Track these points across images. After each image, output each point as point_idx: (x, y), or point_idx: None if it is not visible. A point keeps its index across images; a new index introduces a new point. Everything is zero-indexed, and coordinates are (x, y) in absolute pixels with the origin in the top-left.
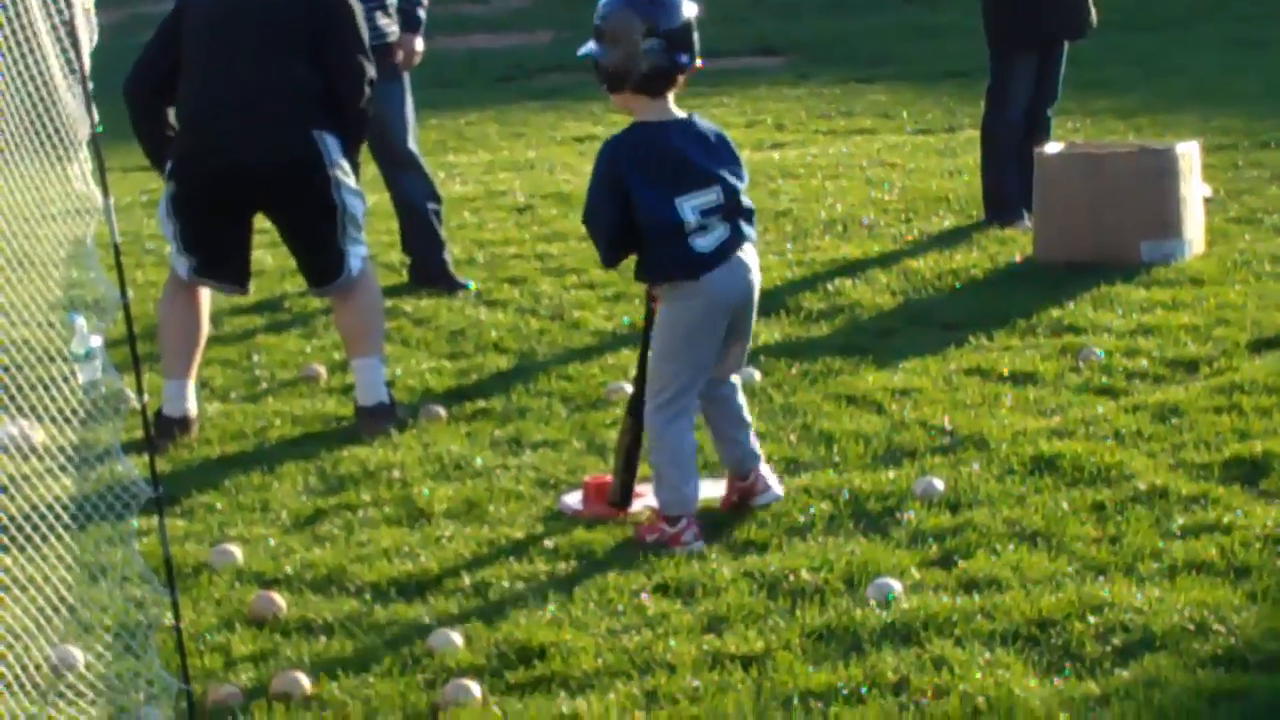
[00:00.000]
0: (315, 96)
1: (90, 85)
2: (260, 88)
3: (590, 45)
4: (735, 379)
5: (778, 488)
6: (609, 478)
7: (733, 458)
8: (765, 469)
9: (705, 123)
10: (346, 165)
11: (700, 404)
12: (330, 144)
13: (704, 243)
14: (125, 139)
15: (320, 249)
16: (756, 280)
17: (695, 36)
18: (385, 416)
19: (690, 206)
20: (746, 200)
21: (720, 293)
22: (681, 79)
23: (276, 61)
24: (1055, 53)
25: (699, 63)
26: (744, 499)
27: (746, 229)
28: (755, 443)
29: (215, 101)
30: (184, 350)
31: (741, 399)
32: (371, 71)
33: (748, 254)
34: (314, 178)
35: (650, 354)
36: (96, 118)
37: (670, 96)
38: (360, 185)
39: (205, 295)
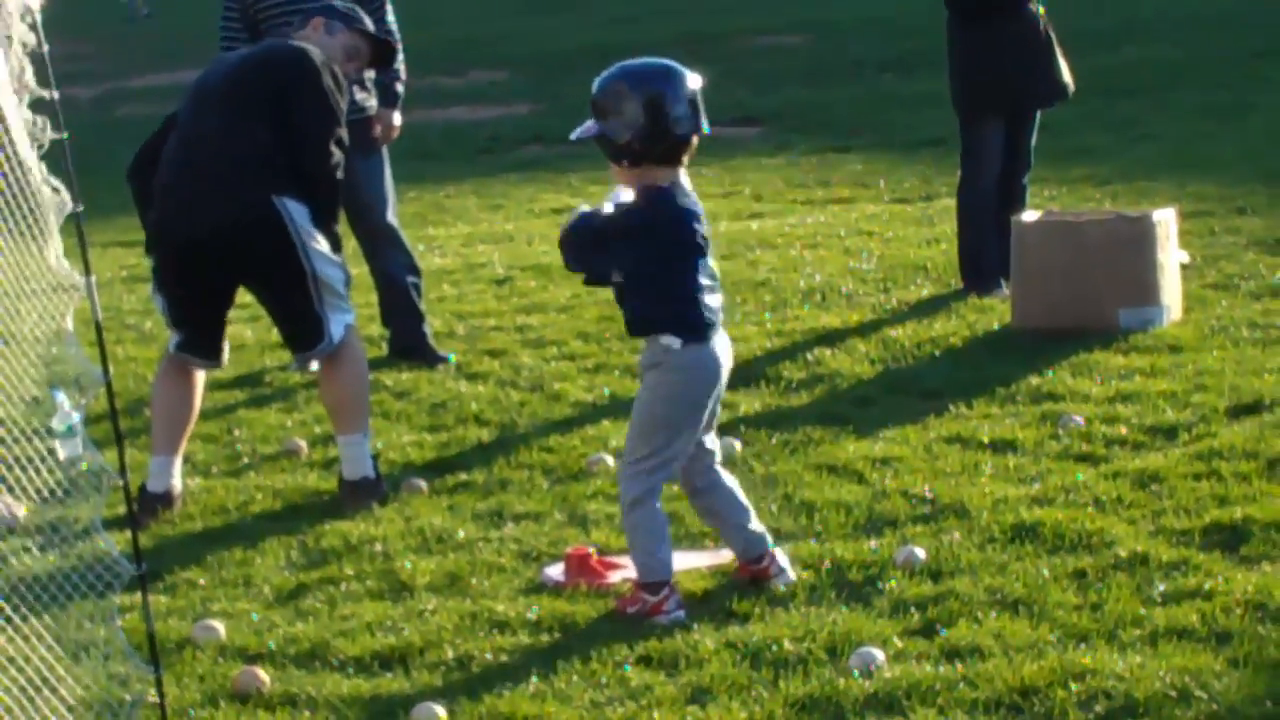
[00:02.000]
0: (277, 162)
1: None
2: (221, 155)
3: (590, 125)
4: (717, 465)
5: (790, 571)
6: (590, 549)
7: (740, 543)
8: (778, 551)
9: None
10: (316, 231)
11: (694, 501)
12: (294, 209)
13: (713, 304)
14: (104, 215)
15: (296, 315)
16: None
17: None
18: (370, 491)
19: (707, 270)
20: None
21: (719, 361)
22: (694, 145)
23: (239, 128)
24: (1025, 122)
25: (707, 128)
26: (757, 580)
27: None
28: (759, 525)
29: (180, 170)
30: (172, 426)
31: (731, 481)
32: (338, 133)
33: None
34: (277, 243)
35: (640, 419)
36: (67, 197)
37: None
38: (339, 255)
39: (200, 373)
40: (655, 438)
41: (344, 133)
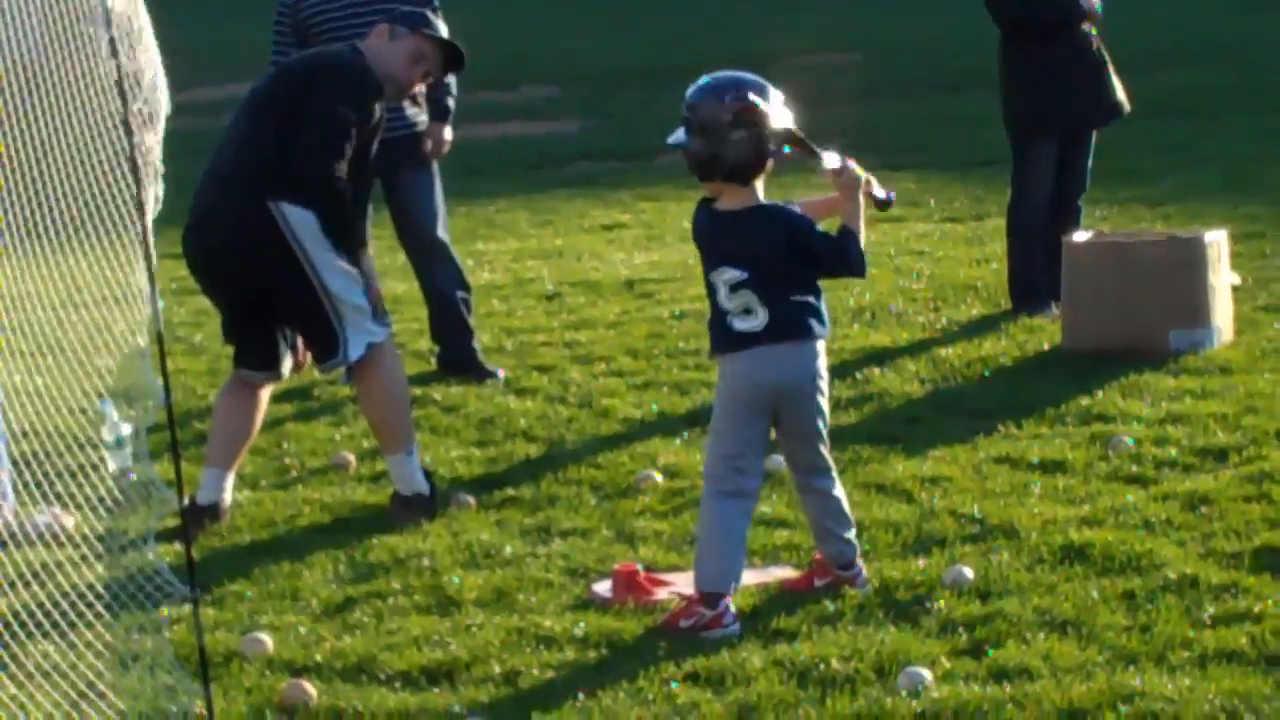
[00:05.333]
0: (275, 166)
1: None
2: (235, 161)
3: (682, 134)
4: (833, 475)
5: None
6: (638, 566)
7: (835, 549)
8: (860, 562)
9: (770, 206)
10: (324, 240)
11: (799, 497)
12: (292, 214)
13: (741, 325)
14: (155, 227)
15: (307, 324)
16: (798, 377)
17: None
18: (421, 507)
19: (722, 281)
20: (801, 294)
21: (745, 377)
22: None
23: (255, 135)
24: (1080, 142)
25: (787, 148)
26: (834, 586)
27: (797, 324)
28: (853, 534)
29: (206, 177)
30: (228, 441)
31: (840, 493)
32: (340, 142)
33: (796, 349)
34: (275, 248)
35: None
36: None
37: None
38: (352, 266)
39: (264, 391)
40: (711, 436)
41: (348, 144)
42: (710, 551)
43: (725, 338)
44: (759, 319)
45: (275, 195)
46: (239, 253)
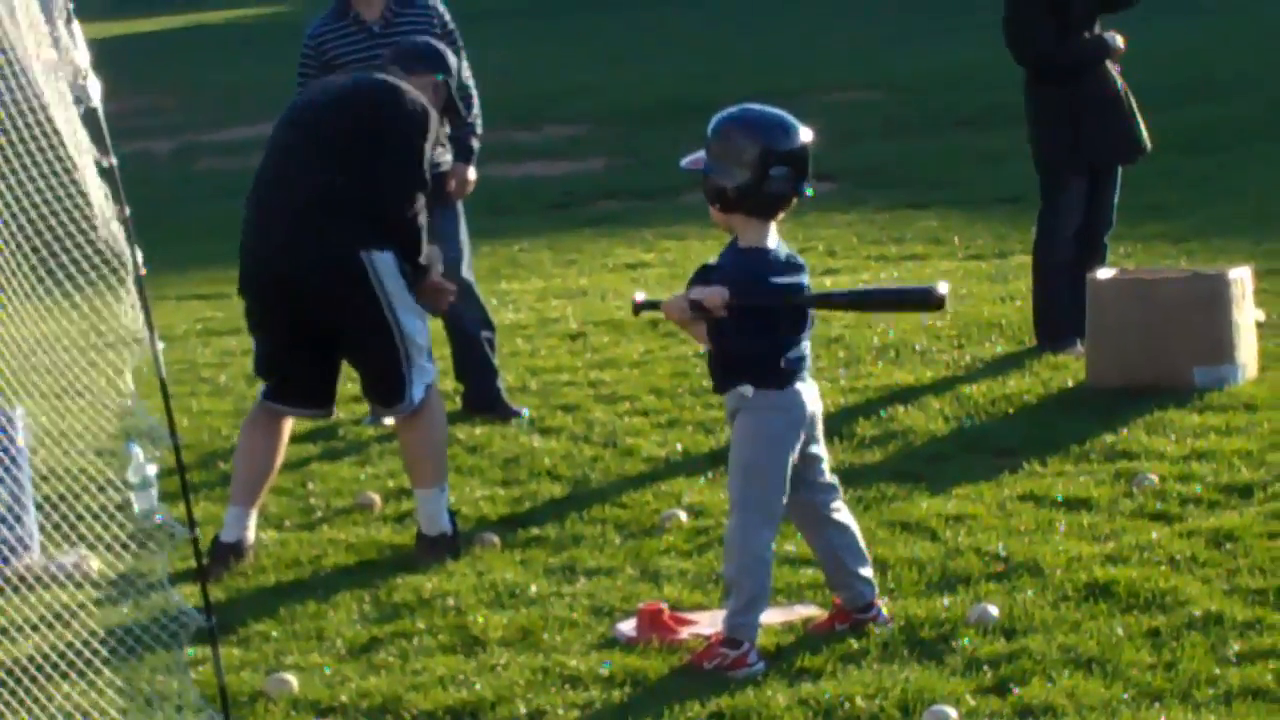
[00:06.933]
0: (361, 210)
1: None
2: (304, 200)
3: (700, 158)
4: (841, 504)
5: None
6: (663, 605)
7: (852, 589)
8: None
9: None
10: (401, 282)
11: (811, 538)
12: (380, 263)
13: (794, 353)
14: (181, 268)
15: (379, 372)
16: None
17: (810, 163)
18: (445, 547)
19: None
20: None
21: (801, 406)
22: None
23: (321, 173)
24: (1108, 178)
25: (810, 191)
26: (857, 628)
27: None
28: (870, 572)
29: (262, 210)
30: (251, 479)
31: (853, 523)
32: (420, 185)
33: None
34: (361, 298)
35: (734, 468)
36: (140, 256)
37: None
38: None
39: (286, 426)
40: (747, 483)
41: (423, 184)
42: (748, 603)
43: (782, 371)
44: (806, 346)
45: (366, 244)
46: (319, 294)
